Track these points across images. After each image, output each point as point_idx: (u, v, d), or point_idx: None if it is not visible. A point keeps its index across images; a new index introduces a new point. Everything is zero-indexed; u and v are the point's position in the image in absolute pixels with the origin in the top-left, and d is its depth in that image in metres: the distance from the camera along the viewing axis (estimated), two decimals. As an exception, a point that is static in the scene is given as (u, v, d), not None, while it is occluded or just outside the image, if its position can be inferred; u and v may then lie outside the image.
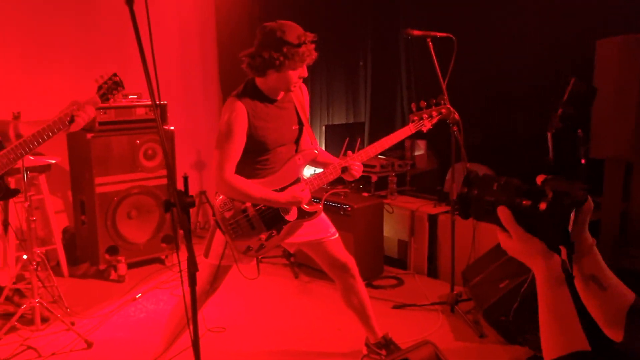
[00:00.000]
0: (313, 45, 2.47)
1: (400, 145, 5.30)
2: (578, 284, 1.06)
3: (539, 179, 1.02)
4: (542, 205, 0.97)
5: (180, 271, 1.68)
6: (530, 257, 1.01)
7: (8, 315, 3.36)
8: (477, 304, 3.43)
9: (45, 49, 4.43)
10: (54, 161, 3.93)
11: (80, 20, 4.64)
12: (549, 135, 1.17)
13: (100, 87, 2.47)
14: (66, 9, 4.57)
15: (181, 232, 1.66)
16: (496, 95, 4.67)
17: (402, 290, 4.07)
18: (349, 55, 5.95)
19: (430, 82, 3.31)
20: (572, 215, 0.98)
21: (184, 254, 1.65)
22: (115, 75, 2.52)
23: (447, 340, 3.25)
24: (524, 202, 1.00)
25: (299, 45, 2.42)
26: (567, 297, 0.99)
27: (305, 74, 2.53)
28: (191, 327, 1.74)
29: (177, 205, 1.67)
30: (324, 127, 5.58)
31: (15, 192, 2.16)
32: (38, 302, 3.32)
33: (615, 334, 1.04)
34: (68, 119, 2.30)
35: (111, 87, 2.48)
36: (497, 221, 1.03)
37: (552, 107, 1.26)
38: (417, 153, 5.26)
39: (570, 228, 0.98)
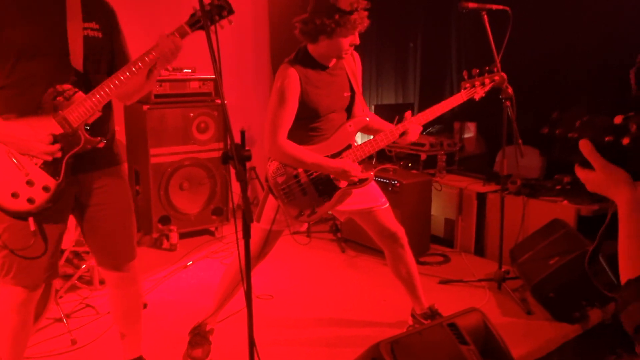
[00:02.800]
0: (365, 13, 2.49)
1: (448, 128, 5.26)
2: None
3: (618, 119, 1.03)
4: (625, 140, 0.99)
5: (235, 222, 1.74)
6: (614, 186, 1.03)
7: (68, 277, 3.52)
8: (525, 281, 3.39)
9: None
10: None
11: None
12: (631, 72, 1.17)
13: (193, 14, 2.02)
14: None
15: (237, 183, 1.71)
16: (553, 75, 4.55)
17: (449, 267, 4.06)
18: (399, 36, 5.93)
19: (481, 62, 3.27)
20: None
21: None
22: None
23: (494, 316, 3.23)
24: (607, 138, 1.02)
25: (350, 12, 2.44)
26: None
27: (357, 42, 2.55)
28: (245, 283, 1.80)
29: (235, 158, 1.72)
30: (373, 107, 5.59)
31: (96, 141, 2.06)
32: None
33: None
34: (150, 56, 2.01)
35: (209, 12, 1.96)
36: (581, 157, 1.05)
37: (615, 91, 1.23)
38: (466, 135, 5.20)
39: None
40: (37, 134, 1.93)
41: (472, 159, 5.11)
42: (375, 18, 2.60)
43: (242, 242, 1.79)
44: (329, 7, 2.43)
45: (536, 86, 4.62)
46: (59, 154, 1.97)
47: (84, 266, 3.52)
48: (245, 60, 5.58)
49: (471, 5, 3.37)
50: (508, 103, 3.35)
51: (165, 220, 4.46)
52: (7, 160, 1.94)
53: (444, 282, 3.74)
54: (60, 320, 3.06)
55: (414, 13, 5.82)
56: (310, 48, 2.58)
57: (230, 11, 2.02)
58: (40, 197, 1.97)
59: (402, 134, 2.63)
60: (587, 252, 3.09)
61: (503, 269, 3.59)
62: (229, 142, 1.75)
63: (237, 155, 1.73)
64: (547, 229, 3.60)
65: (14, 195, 1.95)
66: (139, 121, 4.37)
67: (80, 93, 1.98)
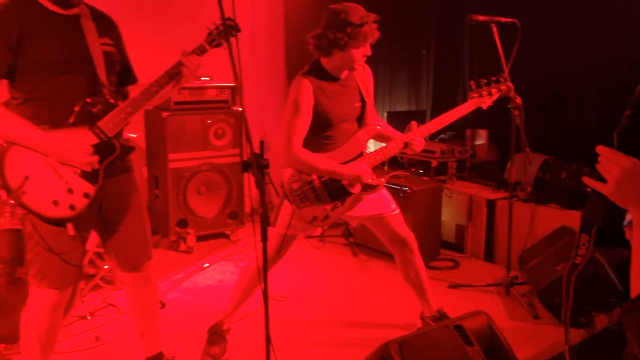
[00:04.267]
0: (375, 25, 2.62)
1: (460, 135, 5.35)
2: None
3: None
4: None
5: (254, 225, 1.86)
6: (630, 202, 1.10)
7: (91, 277, 3.66)
8: (532, 286, 3.48)
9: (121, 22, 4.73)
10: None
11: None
12: (615, 135, 1.21)
13: (210, 33, 2.25)
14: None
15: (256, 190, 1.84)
16: (562, 85, 4.63)
17: (458, 272, 4.16)
18: (412, 43, 6.02)
19: (493, 70, 3.36)
20: None
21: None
22: (229, 19, 2.18)
23: (501, 320, 3.32)
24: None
25: (361, 25, 2.57)
26: None
27: (369, 53, 2.68)
28: (263, 283, 1.92)
29: (254, 166, 1.85)
30: (386, 114, 5.70)
31: (131, 150, 2.24)
32: (118, 264, 3.62)
33: None
34: (175, 71, 2.19)
35: (223, 32, 2.20)
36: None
37: (622, 102, 1.25)
38: (477, 142, 5.27)
39: None
40: (79, 146, 2.06)
41: (484, 165, 5.19)
42: (389, 26, 2.72)
43: (260, 245, 1.91)
44: (340, 22, 2.56)
45: (546, 93, 4.70)
46: (97, 165, 2.11)
47: (106, 267, 3.66)
48: (262, 69, 5.71)
49: (480, 18, 3.47)
50: (517, 112, 3.44)
51: (182, 223, 4.60)
52: (47, 170, 2.09)
53: (454, 286, 3.84)
54: (84, 317, 3.21)
55: (426, 21, 5.92)
56: (324, 61, 2.71)
57: (237, 30, 2.22)
58: (81, 204, 2.12)
59: (407, 145, 2.74)
60: (592, 259, 3.17)
61: (511, 274, 3.68)
62: (248, 150, 1.88)
63: (256, 164, 1.85)
64: (555, 235, 3.68)
65: (55, 203, 2.09)
66: (158, 127, 4.53)
67: (112, 104, 2.12)
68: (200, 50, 2.20)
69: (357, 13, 2.58)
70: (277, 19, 5.79)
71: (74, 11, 2.16)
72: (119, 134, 2.23)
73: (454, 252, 4.52)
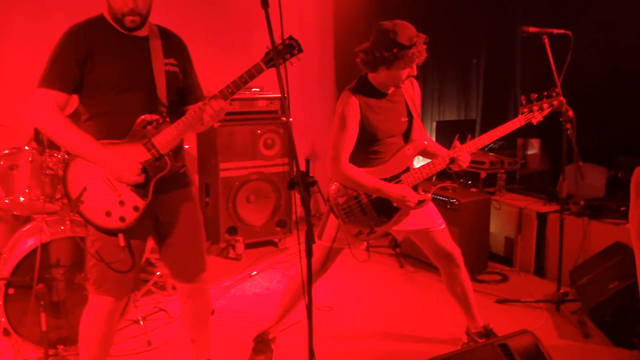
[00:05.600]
0: (424, 46, 2.61)
1: (512, 144, 5.26)
2: None
3: None
4: None
5: (299, 241, 1.91)
6: None
7: (143, 282, 3.80)
8: (584, 304, 3.39)
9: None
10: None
11: (212, 15, 5.08)
12: None
13: (267, 53, 2.21)
14: (200, 4, 5.04)
15: (301, 208, 1.89)
16: (617, 95, 4.51)
17: (506, 286, 4.09)
18: (462, 52, 5.98)
19: (546, 80, 3.31)
20: None
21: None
22: (289, 38, 2.21)
23: (550, 337, 3.26)
24: None
25: (409, 47, 2.57)
26: None
27: (414, 73, 2.69)
28: (307, 297, 1.96)
29: (300, 184, 1.90)
30: (435, 123, 5.67)
31: (181, 167, 2.33)
32: (169, 270, 3.75)
33: None
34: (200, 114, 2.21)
35: (282, 51, 2.19)
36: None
37: None
38: (529, 152, 5.18)
39: None
40: (128, 163, 2.16)
41: (536, 176, 5.09)
42: (439, 33, 2.71)
43: (304, 260, 1.95)
44: (388, 41, 2.57)
45: (602, 103, 4.58)
46: (143, 179, 2.20)
47: (158, 273, 3.80)
48: (311, 78, 5.79)
49: (532, 29, 3.42)
50: (569, 126, 3.37)
51: (232, 230, 4.71)
52: (103, 182, 2.21)
53: (501, 301, 3.78)
54: (137, 322, 3.34)
55: (477, 29, 5.86)
56: (371, 76, 2.73)
57: (300, 50, 2.22)
58: (131, 216, 2.22)
59: (453, 160, 2.73)
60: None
61: (562, 291, 3.60)
62: (296, 167, 1.92)
63: (302, 182, 1.90)
64: (608, 251, 3.58)
65: (108, 213, 2.21)
66: (210, 137, 4.66)
67: (167, 122, 2.22)
68: (256, 70, 2.22)
69: (406, 33, 2.57)
70: (326, 30, 5.86)
71: (142, 33, 2.28)
72: (176, 152, 2.32)
73: (503, 265, 4.45)
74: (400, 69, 2.61)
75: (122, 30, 2.23)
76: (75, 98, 2.26)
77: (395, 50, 2.55)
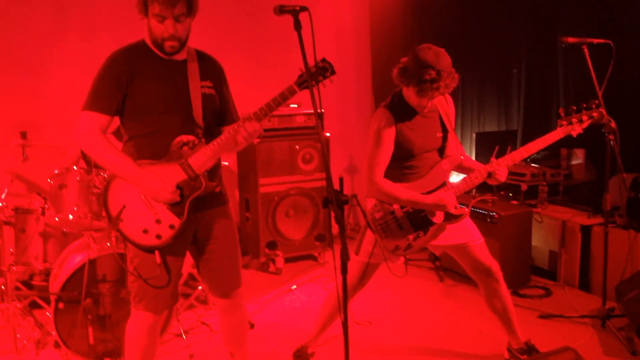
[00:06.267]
0: (453, 82, 2.61)
1: (555, 154, 5.16)
2: None
3: None
4: None
5: (335, 259, 1.93)
6: None
7: (186, 296, 3.90)
8: (631, 319, 3.29)
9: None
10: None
11: (250, 35, 5.21)
12: None
13: (300, 75, 2.26)
14: (240, 24, 5.17)
15: (336, 225, 1.92)
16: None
17: (550, 300, 4.01)
18: (502, 62, 5.92)
19: (590, 89, 3.25)
20: None
21: (336, 249, 1.91)
22: (323, 60, 2.26)
23: (595, 354, 3.18)
24: None
25: (438, 79, 2.57)
26: None
27: (446, 92, 2.70)
28: (343, 314, 1.98)
29: (334, 202, 1.93)
30: (474, 135, 5.61)
31: (216, 187, 2.38)
32: (211, 285, 3.83)
33: None
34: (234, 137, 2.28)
35: (315, 73, 2.25)
36: None
37: None
38: (574, 162, 5.06)
39: None
40: (163, 183, 2.24)
41: (581, 186, 4.96)
42: (478, 45, 2.69)
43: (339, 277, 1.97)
44: (420, 70, 2.57)
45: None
46: (178, 198, 2.27)
47: (199, 287, 3.88)
48: (348, 91, 5.82)
49: (571, 40, 3.37)
50: (611, 137, 3.30)
51: (272, 245, 4.77)
52: (141, 201, 2.29)
53: (544, 316, 3.70)
54: (179, 335, 3.42)
55: (517, 39, 5.80)
56: (405, 93, 2.75)
57: (333, 72, 2.27)
58: (167, 234, 2.30)
59: (490, 175, 2.71)
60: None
61: (607, 306, 3.50)
62: (333, 184, 1.96)
63: (336, 200, 1.93)
64: (656, 265, 3.48)
65: (145, 231, 2.29)
66: (249, 154, 4.74)
67: (203, 143, 2.29)
68: (289, 92, 2.27)
69: (439, 62, 2.56)
70: (363, 44, 5.89)
71: (181, 57, 2.37)
72: (212, 172, 2.38)
73: (547, 279, 4.36)
74: (422, 97, 2.63)
75: (161, 55, 2.33)
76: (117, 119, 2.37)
77: (421, 77, 2.56)
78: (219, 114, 2.49)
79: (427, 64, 2.56)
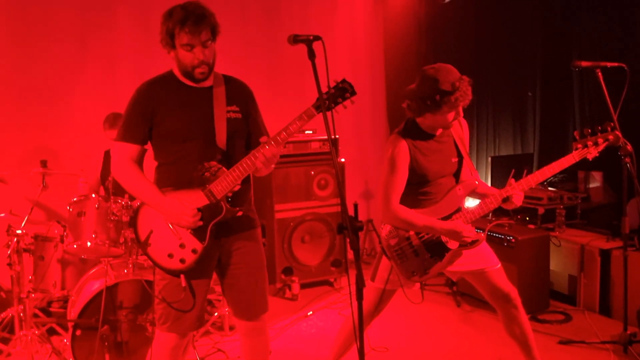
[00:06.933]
0: (468, 88, 2.62)
1: (572, 177, 5.12)
2: None
3: None
4: None
5: (350, 286, 1.93)
6: None
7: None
8: (654, 346, 3.23)
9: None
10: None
11: (269, 61, 5.31)
12: None
13: (318, 98, 2.22)
14: (258, 51, 5.26)
15: (351, 251, 1.92)
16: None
17: (570, 326, 3.94)
18: (517, 85, 5.92)
19: (606, 112, 3.24)
20: None
21: (352, 275, 1.90)
22: (343, 81, 2.27)
23: (618, 382, 3.12)
24: None
25: (452, 93, 2.58)
26: None
27: (460, 115, 2.71)
28: (358, 341, 1.98)
29: (349, 228, 1.94)
30: (490, 158, 5.59)
31: (235, 211, 2.37)
32: (227, 311, 3.83)
33: None
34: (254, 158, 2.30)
35: (335, 95, 2.26)
36: None
37: None
38: (591, 185, 5.01)
39: None
40: (184, 209, 2.28)
41: (599, 209, 4.91)
42: (492, 68, 2.70)
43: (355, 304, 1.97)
44: (431, 88, 2.60)
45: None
46: (200, 223, 2.30)
47: (216, 314, 3.88)
48: (363, 116, 5.87)
49: (584, 64, 3.37)
50: (628, 160, 3.27)
51: (288, 271, 4.77)
52: (166, 226, 2.34)
53: (564, 342, 3.64)
54: (196, 363, 3.42)
55: (531, 62, 5.80)
56: (418, 119, 2.77)
57: (353, 92, 2.29)
58: (190, 258, 2.33)
59: (505, 200, 2.70)
60: None
61: (629, 332, 3.44)
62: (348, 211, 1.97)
63: (350, 227, 1.94)
64: (678, 290, 3.41)
65: (170, 255, 2.34)
66: (265, 179, 4.76)
67: (224, 169, 2.32)
68: (307, 116, 2.29)
69: (448, 78, 2.59)
70: (377, 69, 5.96)
71: (207, 83, 2.43)
72: (237, 197, 2.39)
73: (566, 304, 4.29)
74: (446, 113, 2.64)
75: (189, 83, 2.40)
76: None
77: (437, 97, 2.58)
78: (249, 137, 2.52)
79: (437, 81, 2.58)
